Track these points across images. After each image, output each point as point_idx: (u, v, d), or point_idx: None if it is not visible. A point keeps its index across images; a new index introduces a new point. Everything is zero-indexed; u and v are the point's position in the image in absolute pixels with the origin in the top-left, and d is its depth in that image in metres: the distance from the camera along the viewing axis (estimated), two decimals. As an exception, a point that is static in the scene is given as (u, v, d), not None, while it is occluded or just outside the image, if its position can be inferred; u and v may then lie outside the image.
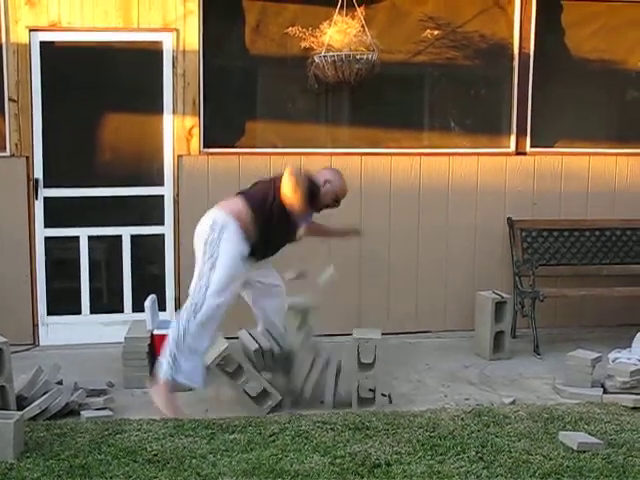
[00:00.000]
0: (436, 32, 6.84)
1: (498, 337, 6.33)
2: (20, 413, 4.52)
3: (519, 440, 4.64)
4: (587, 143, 7.19)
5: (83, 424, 4.81)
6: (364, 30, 6.36)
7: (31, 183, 6.43)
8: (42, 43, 6.35)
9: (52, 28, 6.33)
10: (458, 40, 6.93)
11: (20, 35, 6.27)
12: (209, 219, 5.19)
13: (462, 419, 4.96)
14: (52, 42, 6.40)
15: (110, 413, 5.02)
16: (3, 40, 6.27)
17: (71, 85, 6.51)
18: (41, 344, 6.55)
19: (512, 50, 6.97)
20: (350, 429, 4.75)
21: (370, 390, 5.18)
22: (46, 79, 6.38)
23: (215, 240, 5.10)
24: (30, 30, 6.29)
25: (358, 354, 5.17)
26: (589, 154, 7.12)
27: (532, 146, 7.07)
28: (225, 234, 5.10)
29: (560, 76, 7.10)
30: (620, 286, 6.82)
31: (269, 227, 5.22)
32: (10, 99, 6.32)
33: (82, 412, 4.96)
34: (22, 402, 4.87)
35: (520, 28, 6.91)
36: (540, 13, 6.91)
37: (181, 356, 5.00)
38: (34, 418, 4.81)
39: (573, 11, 7.04)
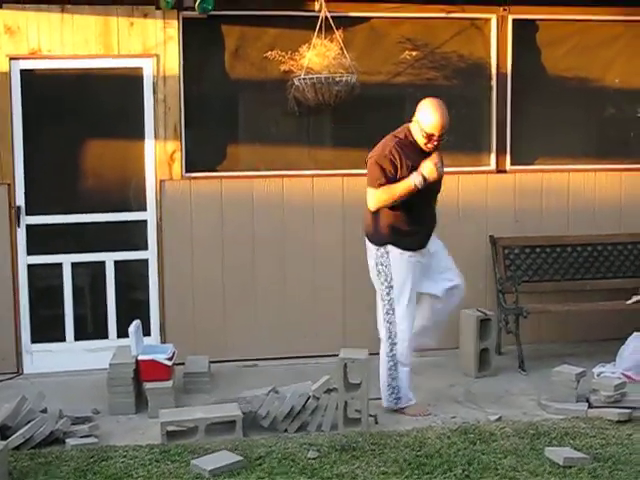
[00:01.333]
0: (414, 53, 6.89)
1: (483, 354, 6.35)
2: (4, 443, 4.51)
3: (505, 457, 4.66)
4: (566, 160, 7.25)
5: (68, 452, 4.80)
6: (343, 52, 6.41)
7: (13, 210, 6.42)
8: (22, 71, 6.36)
9: (32, 56, 6.35)
10: (436, 61, 6.99)
11: (0, 63, 6.28)
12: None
13: (448, 437, 4.97)
14: (32, 70, 6.42)
15: (95, 440, 5.00)
16: (-17, 69, 6.30)
17: (52, 112, 6.52)
18: (25, 372, 6.51)
19: (490, 70, 7.04)
20: (337, 450, 4.75)
21: (356, 411, 5.19)
22: (27, 106, 6.39)
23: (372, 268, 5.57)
24: (10, 58, 6.31)
25: (345, 374, 5.18)
26: (569, 170, 7.17)
27: (512, 164, 7.12)
28: (371, 259, 5.59)
29: (538, 94, 7.17)
30: (603, 301, 6.86)
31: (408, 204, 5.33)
32: (-10, 127, 6.34)
33: (67, 440, 4.94)
34: (6, 431, 4.86)
35: (497, 48, 6.98)
36: (516, 33, 6.98)
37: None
38: (18, 447, 4.79)
39: (548, 31, 7.12)
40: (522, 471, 4.46)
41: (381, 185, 5.29)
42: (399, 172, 5.27)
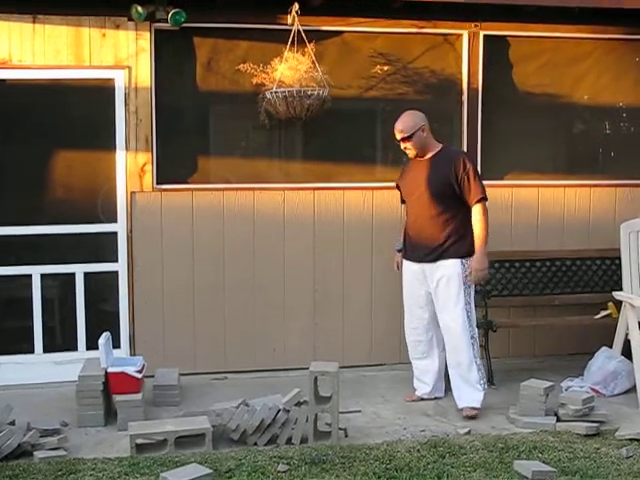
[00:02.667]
0: (386, 68, 6.93)
1: (453, 368, 6.37)
2: (-29, 455, 4.46)
3: (475, 470, 4.67)
4: (536, 175, 7.30)
5: (36, 465, 4.76)
6: (315, 66, 6.43)
7: (-19, 221, 6.38)
8: (-8, 81, 6.34)
9: (2, 66, 6.30)
10: (408, 75, 7.03)
11: (-30, 73, 6.25)
12: None
13: (418, 450, 4.98)
14: (3, 80, 6.37)
15: (64, 453, 4.96)
16: (-48, 78, 6.25)
17: (22, 122, 6.48)
18: (-7, 384, 6.46)
19: (461, 85, 7.08)
20: (307, 463, 4.75)
21: (327, 424, 5.19)
22: (-4, 116, 6.36)
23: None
24: (-20, 68, 6.28)
25: (315, 387, 5.18)
26: (538, 186, 7.23)
27: (483, 179, 7.15)
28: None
29: (508, 110, 7.23)
30: (571, 315, 6.93)
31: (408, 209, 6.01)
32: (-42, 137, 6.29)
33: (35, 453, 4.89)
34: (-27, 444, 4.80)
35: (468, 64, 7.03)
36: (487, 49, 7.03)
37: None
38: (-15, 460, 4.74)
39: (519, 47, 7.19)
40: (491, 484, 4.48)
41: None
42: None
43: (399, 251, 6.12)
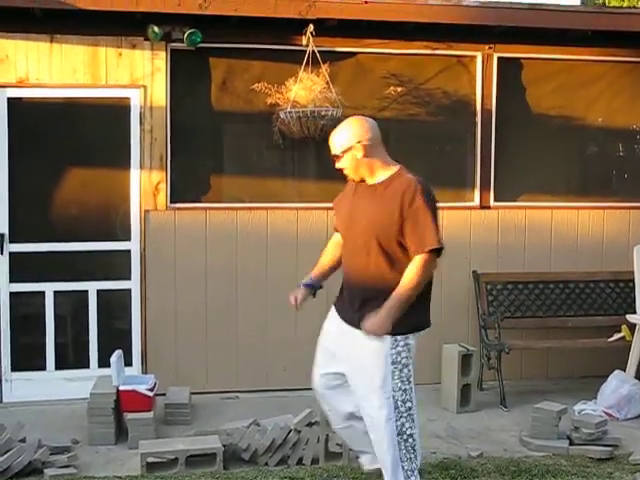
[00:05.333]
0: (399, 89, 6.95)
1: (465, 390, 6.35)
2: (-18, 472, 4.47)
3: (486, 493, 4.65)
4: (549, 197, 7.30)
5: (47, 482, 4.76)
6: (329, 86, 6.45)
7: (-4, 238, 6.41)
8: (10, 99, 6.36)
9: (20, 84, 6.35)
10: (421, 97, 7.05)
11: (-13, 91, 6.31)
12: None
13: (429, 472, 4.95)
14: (20, 98, 6.42)
15: (74, 471, 4.96)
16: (-30, 96, 6.30)
17: (39, 140, 6.52)
18: (4, 401, 6.45)
19: (475, 107, 7.10)
20: (317, 484, 4.73)
21: (338, 444, 5.17)
22: (13, 134, 6.38)
23: None
24: (-2, 86, 6.34)
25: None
26: (551, 208, 7.22)
27: (496, 200, 7.17)
28: None
29: (522, 132, 7.24)
30: (584, 338, 6.89)
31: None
32: (-24, 154, 6.33)
33: (45, 470, 4.90)
34: (-16, 461, 4.81)
35: (482, 85, 7.05)
36: (501, 71, 7.06)
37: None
38: (-4, 477, 4.75)
39: (533, 69, 7.21)
40: (503, 508, 4.45)
41: None
42: None
43: (306, 286, 4.60)
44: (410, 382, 4.09)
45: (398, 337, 4.05)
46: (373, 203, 4.16)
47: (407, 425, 4.08)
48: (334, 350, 4.33)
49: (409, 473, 4.09)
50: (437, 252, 4.03)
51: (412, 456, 4.10)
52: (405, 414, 4.07)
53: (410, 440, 4.09)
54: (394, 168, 4.23)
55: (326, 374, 4.39)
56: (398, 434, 4.07)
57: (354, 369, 4.18)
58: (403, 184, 4.11)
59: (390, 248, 4.07)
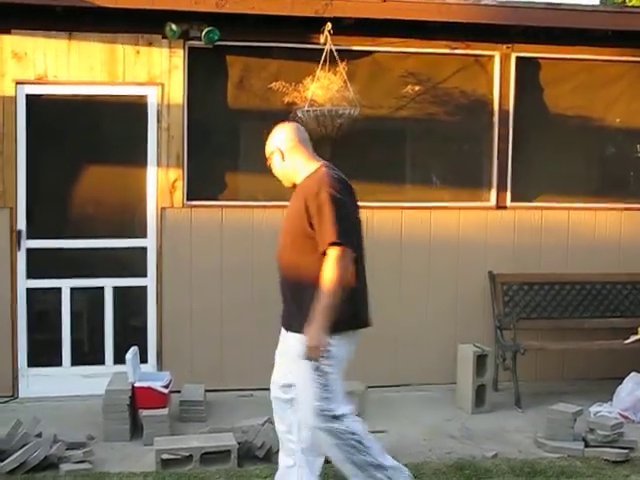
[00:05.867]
0: (417, 88, 6.94)
1: (480, 390, 6.33)
2: (-2, 466, 4.49)
3: (501, 494, 4.63)
4: (566, 198, 7.27)
5: (62, 478, 4.78)
6: (346, 85, 6.45)
7: (14, 234, 6.43)
8: (28, 96, 6.40)
9: (38, 81, 6.39)
10: (439, 96, 7.03)
11: (6, 88, 6.32)
12: None
13: (444, 473, 4.95)
14: (38, 95, 6.46)
15: (89, 466, 4.98)
16: (-11, 93, 6.34)
17: (56, 137, 6.56)
18: (20, 396, 6.48)
19: (492, 106, 7.08)
20: (331, 483, 4.73)
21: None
22: (31, 131, 6.42)
23: None
24: (17, 83, 6.35)
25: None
26: (568, 209, 7.19)
27: (513, 200, 7.14)
28: None
29: (539, 132, 7.21)
30: (601, 339, 6.85)
31: None
32: (-5, 151, 6.37)
33: (61, 465, 4.92)
34: (0, 455, 4.83)
35: (500, 85, 7.03)
36: (519, 71, 7.04)
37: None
38: (12, 472, 4.78)
39: (551, 69, 7.18)
40: (517, 509, 4.44)
41: None
42: None
43: None
44: (330, 386, 4.12)
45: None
46: (290, 203, 4.33)
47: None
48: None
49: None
50: (343, 245, 3.94)
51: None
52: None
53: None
54: (315, 166, 4.28)
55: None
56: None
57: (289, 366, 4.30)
58: (313, 180, 4.15)
59: (305, 245, 4.09)
